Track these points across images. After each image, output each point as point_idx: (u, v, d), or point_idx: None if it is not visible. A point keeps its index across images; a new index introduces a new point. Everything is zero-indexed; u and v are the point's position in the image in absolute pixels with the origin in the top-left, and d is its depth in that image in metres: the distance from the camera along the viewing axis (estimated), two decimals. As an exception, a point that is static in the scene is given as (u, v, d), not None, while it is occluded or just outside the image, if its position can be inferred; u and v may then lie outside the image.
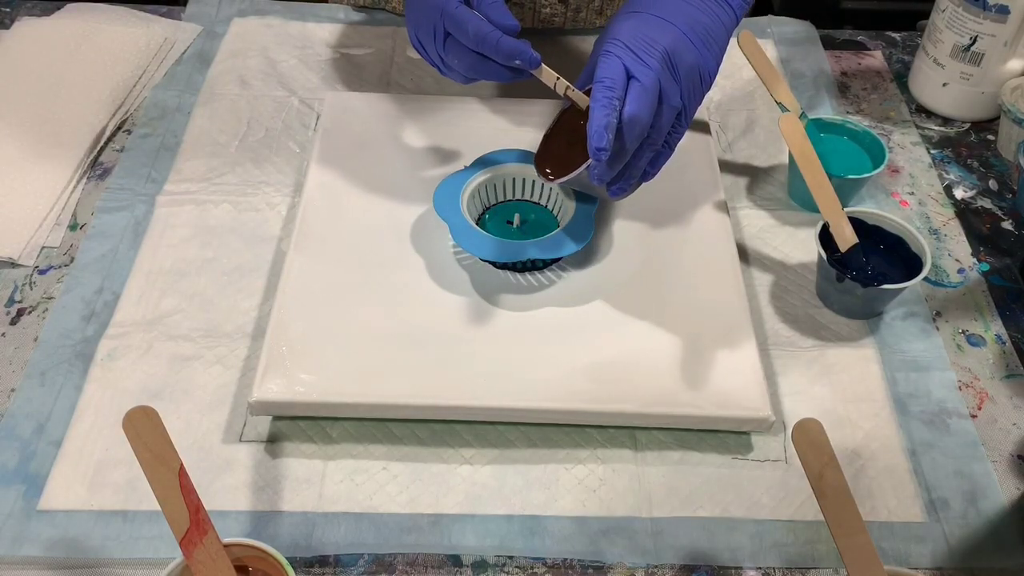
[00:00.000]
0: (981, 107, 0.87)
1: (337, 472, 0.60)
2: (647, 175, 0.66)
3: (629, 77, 0.60)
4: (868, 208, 0.72)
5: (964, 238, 0.77)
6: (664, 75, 0.60)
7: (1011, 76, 0.84)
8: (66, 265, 0.71)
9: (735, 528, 0.58)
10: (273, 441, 0.61)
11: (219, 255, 0.72)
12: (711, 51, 0.63)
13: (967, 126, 0.88)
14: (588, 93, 0.61)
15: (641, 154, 0.63)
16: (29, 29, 0.89)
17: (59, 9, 0.93)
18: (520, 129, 0.78)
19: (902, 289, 0.66)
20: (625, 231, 0.72)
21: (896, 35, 0.98)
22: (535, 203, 0.72)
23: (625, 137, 0.60)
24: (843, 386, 0.66)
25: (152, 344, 0.66)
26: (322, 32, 0.93)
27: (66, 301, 0.69)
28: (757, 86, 0.87)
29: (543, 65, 0.62)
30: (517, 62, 0.61)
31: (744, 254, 0.74)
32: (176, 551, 0.48)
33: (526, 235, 0.69)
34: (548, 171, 0.65)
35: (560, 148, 0.66)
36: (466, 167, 0.71)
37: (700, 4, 0.64)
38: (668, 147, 0.65)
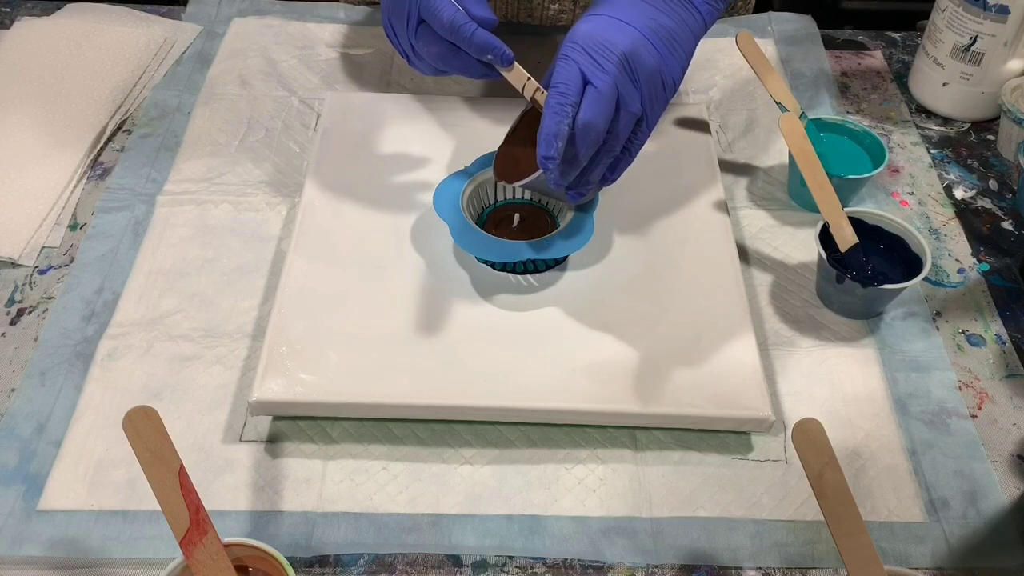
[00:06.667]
0: (981, 107, 0.87)
1: (337, 472, 0.60)
2: (607, 180, 0.64)
3: (585, 82, 0.58)
4: (868, 208, 0.72)
5: (964, 238, 0.77)
6: (622, 80, 0.59)
7: (1011, 76, 0.84)
8: (66, 265, 0.71)
9: (735, 528, 0.58)
10: (273, 441, 0.61)
11: (219, 255, 0.72)
12: (675, 55, 0.62)
13: (967, 126, 0.88)
14: None
15: (598, 160, 0.62)
16: (29, 29, 0.89)
17: (59, 9, 0.93)
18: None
19: (902, 289, 0.66)
20: (625, 231, 0.72)
21: (896, 35, 0.98)
22: (535, 204, 0.72)
23: (578, 144, 0.58)
24: (843, 386, 0.66)
25: (152, 344, 0.66)
26: (322, 32, 0.93)
27: (66, 301, 0.69)
28: (757, 86, 0.87)
29: (516, 64, 0.60)
30: (489, 57, 0.60)
31: (744, 254, 0.74)
32: (176, 551, 0.48)
33: (526, 235, 0.69)
34: (505, 173, 0.65)
35: (520, 150, 0.65)
36: (466, 167, 0.71)
37: (664, 7, 0.62)
38: (628, 153, 0.63)
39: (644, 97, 0.61)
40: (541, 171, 0.59)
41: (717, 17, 0.66)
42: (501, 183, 0.66)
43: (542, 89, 0.62)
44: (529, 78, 0.61)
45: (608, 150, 0.61)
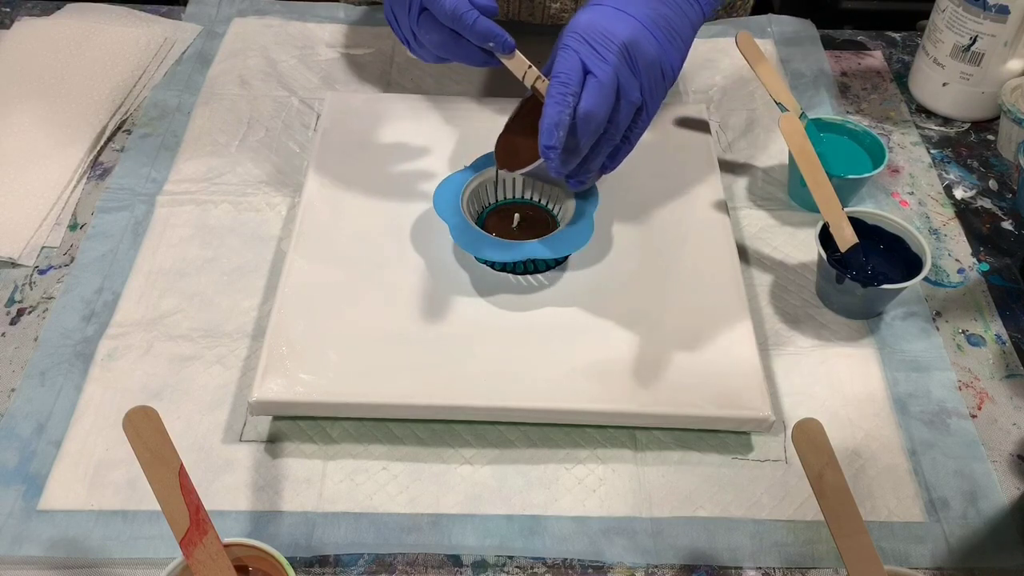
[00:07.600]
0: (981, 107, 0.87)
1: (337, 472, 0.60)
2: (606, 168, 0.65)
3: (586, 72, 0.59)
4: (868, 208, 0.72)
5: (964, 238, 0.77)
6: (622, 70, 0.60)
7: (1011, 76, 0.84)
8: (66, 265, 0.72)
9: (735, 528, 0.58)
10: (273, 441, 0.61)
11: (219, 255, 0.72)
12: (674, 45, 0.63)
13: (967, 126, 0.88)
14: None
15: (599, 149, 0.63)
16: (29, 29, 0.89)
17: (59, 9, 0.93)
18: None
19: (902, 289, 0.66)
20: (625, 231, 0.72)
21: (896, 35, 0.98)
22: (535, 203, 0.72)
23: (579, 133, 0.59)
24: (843, 386, 0.66)
25: (152, 344, 0.66)
26: (322, 32, 0.93)
27: (66, 301, 0.69)
28: (757, 86, 0.87)
29: (517, 52, 0.61)
30: (491, 44, 0.61)
31: (744, 254, 0.74)
32: (176, 551, 0.48)
33: (526, 235, 0.69)
34: (506, 162, 0.66)
35: (521, 139, 0.66)
36: (466, 167, 0.71)
37: None
38: (628, 142, 0.64)
39: (644, 86, 0.61)
40: (542, 159, 0.60)
41: (716, 8, 0.66)
42: (502, 171, 0.67)
43: (543, 77, 0.62)
44: (530, 66, 0.62)
45: (608, 139, 0.62)
